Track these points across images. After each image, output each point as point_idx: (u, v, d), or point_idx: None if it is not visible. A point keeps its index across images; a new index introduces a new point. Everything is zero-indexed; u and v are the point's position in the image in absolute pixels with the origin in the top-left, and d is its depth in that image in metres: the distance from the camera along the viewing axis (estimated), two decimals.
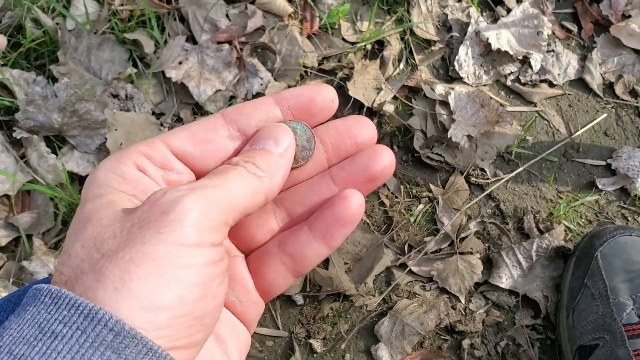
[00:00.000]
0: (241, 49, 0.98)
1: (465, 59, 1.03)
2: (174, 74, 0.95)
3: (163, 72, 0.96)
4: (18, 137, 0.88)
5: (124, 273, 0.26)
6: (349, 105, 0.97)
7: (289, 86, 0.97)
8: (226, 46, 0.98)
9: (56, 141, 0.91)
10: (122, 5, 0.99)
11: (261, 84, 0.97)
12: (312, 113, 0.36)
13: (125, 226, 0.28)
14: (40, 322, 0.26)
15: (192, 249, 0.27)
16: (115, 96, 0.94)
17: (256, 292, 0.36)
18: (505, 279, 0.91)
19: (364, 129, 0.37)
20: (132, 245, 0.27)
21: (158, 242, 0.27)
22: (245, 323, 0.36)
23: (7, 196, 0.88)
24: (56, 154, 0.89)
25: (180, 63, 0.96)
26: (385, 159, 0.35)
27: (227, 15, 1.01)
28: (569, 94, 1.05)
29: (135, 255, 0.27)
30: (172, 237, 0.27)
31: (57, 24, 0.96)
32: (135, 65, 0.97)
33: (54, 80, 0.92)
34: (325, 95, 0.36)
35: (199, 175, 0.35)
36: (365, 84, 0.98)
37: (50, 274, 0.79)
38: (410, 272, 0.92)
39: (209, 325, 0.29)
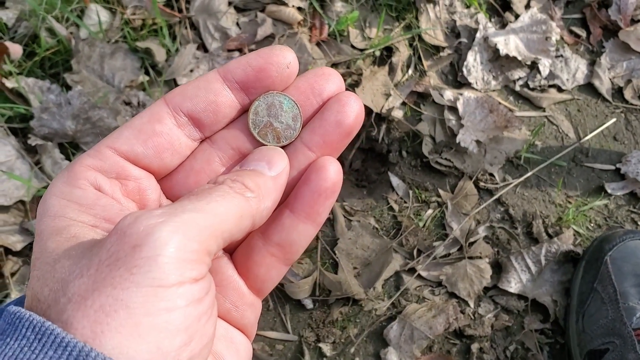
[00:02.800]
0: None
1: (474, 65, 1.03)
2: (185, 82, 0.97)
3: (175, 80, 0.97)
4: (33, 144, 0.90)
5: (95, 324, 0.23)
6: None
7: None
8: (236, 54, 0.99)
9: (70, 148, 0.93)
10: (134, 14, 1.01)
11: None
12: (264, 85, 0.32)
13: (93, 263, 0.25)
14: None
15: (172, 289, 0.24)
16: (128, 103, 0.96)
17: (250, 293, 0.33)
18: (514, 284, 0.91)
19: (329, 82, 0.32)
20: (102, 290, 0.23)
21: (130, 285, 0.23)
22: (244, 329, 0.34)
23: (23, 202, 0.90)
24: (70, 161, 0.91)
25: (191, 71, 0.98)
26: (354, 107, 0.32)
27: (237, 24, 1.02)
28: (577, 99, 1.05)
29: (106, 302, 0.23)
30: (146, 278, 0.23)
31: (71, 33, 0.98)
32: (147, 73, 0.98)
33: (68, 88, 0.94)
34: (279, 62, 0.31)
35: (158, 176, 0.32)
36: (374, 90, 0.99)
37: None
38: (419, 276, 0.92)
39: None
